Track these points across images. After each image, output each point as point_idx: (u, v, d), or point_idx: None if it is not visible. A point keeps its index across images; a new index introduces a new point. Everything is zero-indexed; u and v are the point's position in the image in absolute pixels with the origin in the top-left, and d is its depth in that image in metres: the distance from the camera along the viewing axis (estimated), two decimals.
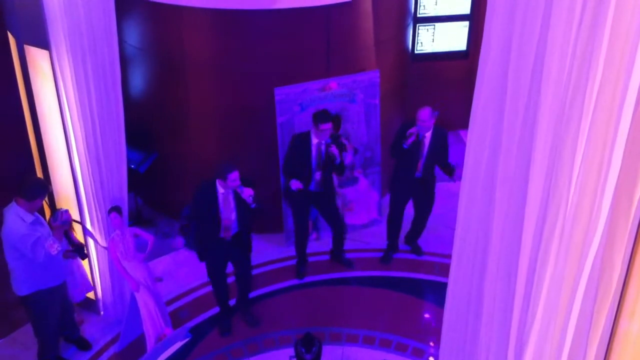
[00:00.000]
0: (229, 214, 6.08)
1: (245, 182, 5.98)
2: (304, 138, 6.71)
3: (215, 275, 6.42)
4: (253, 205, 5.96)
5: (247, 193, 5.92)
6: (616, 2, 2.17)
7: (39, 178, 5.95)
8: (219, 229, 6.11)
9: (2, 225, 5.69)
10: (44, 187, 5.81)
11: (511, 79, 2.74)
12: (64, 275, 5.96)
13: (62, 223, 5.77)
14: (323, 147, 6.65)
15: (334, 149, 6.57)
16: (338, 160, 6.62)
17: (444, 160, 6.92)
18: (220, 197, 6.02)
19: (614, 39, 2.22)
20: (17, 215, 5.54)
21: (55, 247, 5.59)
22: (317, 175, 6.76)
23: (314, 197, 6.93)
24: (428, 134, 6.74)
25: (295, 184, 6.66)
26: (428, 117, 6.61)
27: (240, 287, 6.64)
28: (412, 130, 6.61)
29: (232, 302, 6.75)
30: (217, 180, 5.98)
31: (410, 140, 6.64)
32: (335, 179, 7.13)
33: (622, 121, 2.29)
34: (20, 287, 5.75)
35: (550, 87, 2.48)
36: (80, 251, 6.02)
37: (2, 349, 6.38)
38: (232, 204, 6.05)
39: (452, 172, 6.88)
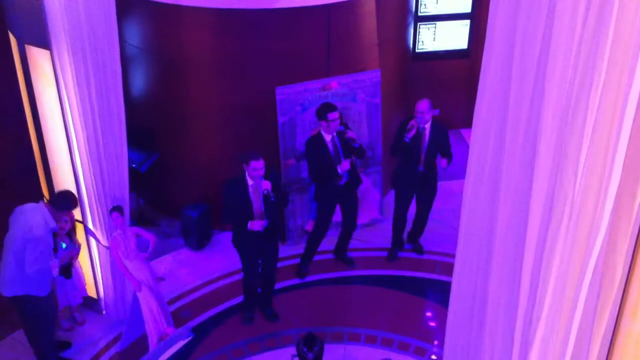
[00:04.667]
0: (259, 205, 6.10)
1: (269, 176, 6.01)
2: (318, 139, 6.73)
3: (249, 265, 6.44)
4: (272, 199, 5.97)
5: (264, 186, 5.94)
6: (620, 0, 2.17)
7: (71, 192, 5.99)
8: (252, 219, 6.11)
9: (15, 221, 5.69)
10: (74, 201, 5.88)
11: (515, 78, 2.73)
12: (48, 287, 5.86)
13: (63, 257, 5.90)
14: (337, 140, 6.68)
15: (351, 133, 6.61)
16: (357, 144, 6.63)
17: (447, 150, 6.94)
18: (251, 189, 6.05)
19: (618, 38, 2.21)
20: (41, 215, 5.58)
21: (56, 271, 5.67)
22: (345, 165, 6.75)
23: (343, 191, 6.94)
24: (427, 126, 6.79)
25: (346, 165, 6.68)
26: (427, 108, 6.68)
27: (265, 278, 6.64)
28: (412, 122, 6.68)
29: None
30: (245, 171, 5.99)
31: (411, 134, 6.68)
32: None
33: (625, 120, 2.29)
34: (7, 287, 5.68)
35: (555, 86, 2.47)
36: (65, 271, 6.11)
37: (2, 350, 6.37)
38: (261, 195, 6.08)
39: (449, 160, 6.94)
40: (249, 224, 6.06)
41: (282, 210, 6.32)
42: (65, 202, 5.80)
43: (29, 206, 5.75)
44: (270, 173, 6.08)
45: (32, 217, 5.58)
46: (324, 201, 7.03)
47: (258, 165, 5.89)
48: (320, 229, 7.16)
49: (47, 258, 5.60)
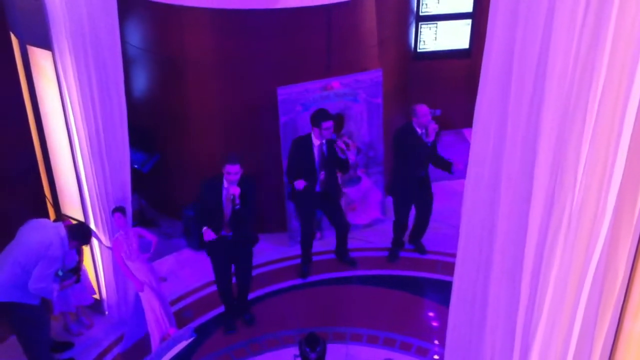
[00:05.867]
0: (229, 212, 6.07)
1: (246, 180, 5.95)
2: (305, 141, 6.70)
3: (219, 272, 6.42)
4: (237, 207, 5.91)
5: (231, 191, 5.85)
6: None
7: (89, 229, 6.05)
8: (221, 225, 6.09)
9: (27, 230, 5.69)
10: (89, 237, 5.93)
11: (515, 77, 2.73)
12: (38, 297, 5.80)
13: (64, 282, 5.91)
14: (325, 148, 6.65)
15: (341, 143, 6.54)
16: (344, 156, 6.59)
17: (435, 153, 6.96)
18: (224, 192, 6.00)
19: (618, 36, 2.21)
20: (60, 237, 5.60)
21: (54, 294, 5.70)
22: (321, 175, 6.76)
23: (319, 198, 6.93)
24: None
25: (300, 184, 6.65)
26: (427, 111, 6.70)
27: (238, 286, 6.63)
28: (433, 126, 6.68)
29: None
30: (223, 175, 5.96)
31: (432, 138, 6.71)
32: (339, 178, 7.13)
33: (626, 119, 2.28)
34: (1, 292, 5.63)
35: (554, 85, 2.47)
36: (75, 275, 6.11)
37: (5, 351, 6.36)
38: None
39: (449, 166, 6.94)
40: (203, 232, 5.97)
41: (250, 220, 6.24)
42: (80, 234, 5.81)
43: (49, 223, 5.78)
44: (246, 181, 5.96)
45: (53, 235, 5.59)
46: (300, 204, 7.01)
47: (232, 170, 5.81)
48: (305, 231, 7.15)
49: (52, 279, 5.61)
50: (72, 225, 5.89)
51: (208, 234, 5.94)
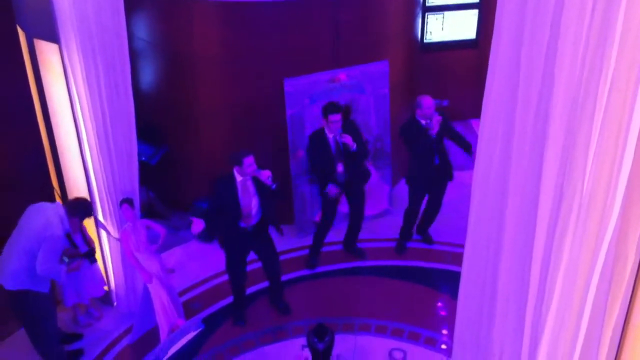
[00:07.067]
0: (248, 202, 6.10)
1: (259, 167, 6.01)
2: (320, 135, 6.72)
3: (235, 265, 6.45)
4: (274, 186, 5.98)
5: (266, 175, 5.95)
6: None
7: (88, 202, 6.05)
8: (240, 218, 6.12)
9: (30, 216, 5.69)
10: (86, 210, 5.92)
11: (523, 67, 2.71)
12: (49, 284, 5.80)
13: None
14: (339, 139, 6.65)
15: (347, 139, 6.56)
16: (354, 148, 6.60)
17: (458, 135, 6.95)
18: (239, 186, 6.03)
19: (628, 26, 2.19)
20: (59, 216, 5.59)
21: (62, 275, 5.69)
22: (339, 167, 6.79)
23: (345, 185, 6.94)
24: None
25: (333, 190, 6.77)
26: (432, 103, 6.69)
27: (269, 273, 6.66)
28: (437, 118, 6.67)
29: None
30: (234, 169, 5.99)
31: (436, 130, 6.68)
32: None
33: (636, 109, 2.27)
34: (10, 281, 5.61)
35: (564, 74, 2.45)
36: (89, 255, 6.07)
37: (5, 350, 6.36)
38: (251, 190, 6.08)
39: (469, 148, 6.95)
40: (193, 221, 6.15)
41: (275, 202, 6.38)
42: (79, 209, 5.81)
43: (48, 205, 5.78)
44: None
45: (52, 215, 5.59)
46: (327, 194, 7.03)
47: (251, 161, 5.93)
48: (326, 221, 7.17)
49: (57, 259, 5.62)
50: (69, 202, 5.85)
51: (197, 224, 6.07)
